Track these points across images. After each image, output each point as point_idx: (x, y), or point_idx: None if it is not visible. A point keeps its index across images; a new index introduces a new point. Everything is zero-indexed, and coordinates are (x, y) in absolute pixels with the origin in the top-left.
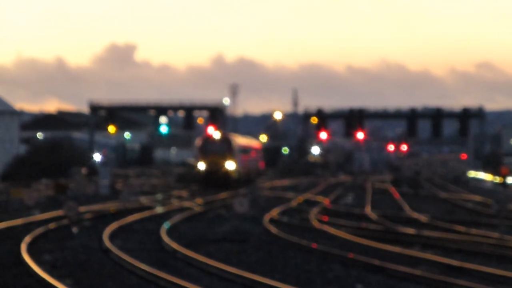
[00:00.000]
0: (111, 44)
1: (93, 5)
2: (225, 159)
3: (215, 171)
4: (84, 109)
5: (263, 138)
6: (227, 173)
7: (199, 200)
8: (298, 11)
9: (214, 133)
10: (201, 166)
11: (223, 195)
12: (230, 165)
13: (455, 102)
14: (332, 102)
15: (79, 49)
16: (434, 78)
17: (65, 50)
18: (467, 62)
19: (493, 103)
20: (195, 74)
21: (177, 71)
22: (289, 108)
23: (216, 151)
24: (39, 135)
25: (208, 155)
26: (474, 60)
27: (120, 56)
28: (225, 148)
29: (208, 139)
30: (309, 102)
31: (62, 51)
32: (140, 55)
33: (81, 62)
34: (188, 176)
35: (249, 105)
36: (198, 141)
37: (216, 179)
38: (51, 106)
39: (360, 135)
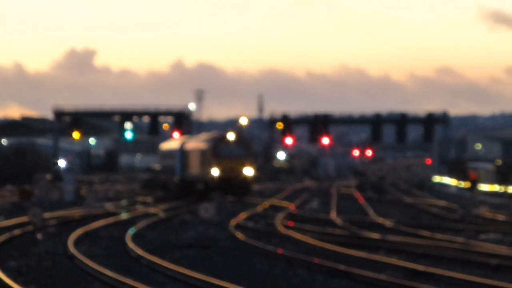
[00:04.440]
0: (70, 49)
1: (50, 10)
2: (242, 164)
3: (231, 177)
4: (47, 114)
5: None
6: (245, 180)
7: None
8: (256, 17)
9: (229, 134)
10: (215, 172)
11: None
12: (248, 171)
13: (418, 107)
14: (293, 107)
15: (38, 54)
16: (394, 83)
17: (23, 55)
18: (427, 67)
19: (457, 108)
20: (156, 80)
21: (137, 77)
22: (252, 113)
23: (232, 155)
24: (3, 141)
25: (223, 160)
26: (434, 65)
27: (79, 62)
28: (242, 151)
29: (222, 140)
30: (271, 107)
31: (20, 57)
32: (99, 61)
33: (40, 67)
34: (153, 182)
35: (213, 111)
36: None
37: (232, 186)
38: (12, 111)
39: (325, 141)
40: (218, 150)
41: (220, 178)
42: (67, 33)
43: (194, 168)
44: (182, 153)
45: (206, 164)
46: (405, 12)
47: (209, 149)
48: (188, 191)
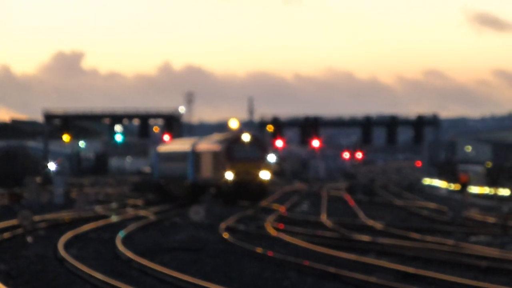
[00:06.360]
0: (58, 52)
1: (37, 13)
2: (258, 167)
3: (246, 181)
4: (35, 117)
5: None
6: (261, 184)
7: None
8: (244, 19)
9: (244, 135)
10: (229, 176)
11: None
12: (264, 174)
13: (406, 110)
14: (281, 109)
15: (25, 57)
16: (382, 86)
17: (11, 58)
18: (414, 70)
19: (446, 111)
20: (143, 82)
21: (125, 79)
22: (242, 116)
23: (247, 158)
24: None
25: (237, 162)
26: (421, 68)
27: (67, 64)
28: (258, 153)
29: (237, 142)
30: (260, 110)
31: (8, 59)
32: (87, 63)
33: (27, 70)
34: (144, 185)
35: (202, 113)
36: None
37: (247, 191)
38: (0, 114)
39: (315, 143)
40: (232, 152)
41: (234, 182)
42: (55, 35)
43: (206, 171)
44: (194, 155)
45: (219, 167)
46: (392, 14)
47: (223, 151)
48: (199, 196)
